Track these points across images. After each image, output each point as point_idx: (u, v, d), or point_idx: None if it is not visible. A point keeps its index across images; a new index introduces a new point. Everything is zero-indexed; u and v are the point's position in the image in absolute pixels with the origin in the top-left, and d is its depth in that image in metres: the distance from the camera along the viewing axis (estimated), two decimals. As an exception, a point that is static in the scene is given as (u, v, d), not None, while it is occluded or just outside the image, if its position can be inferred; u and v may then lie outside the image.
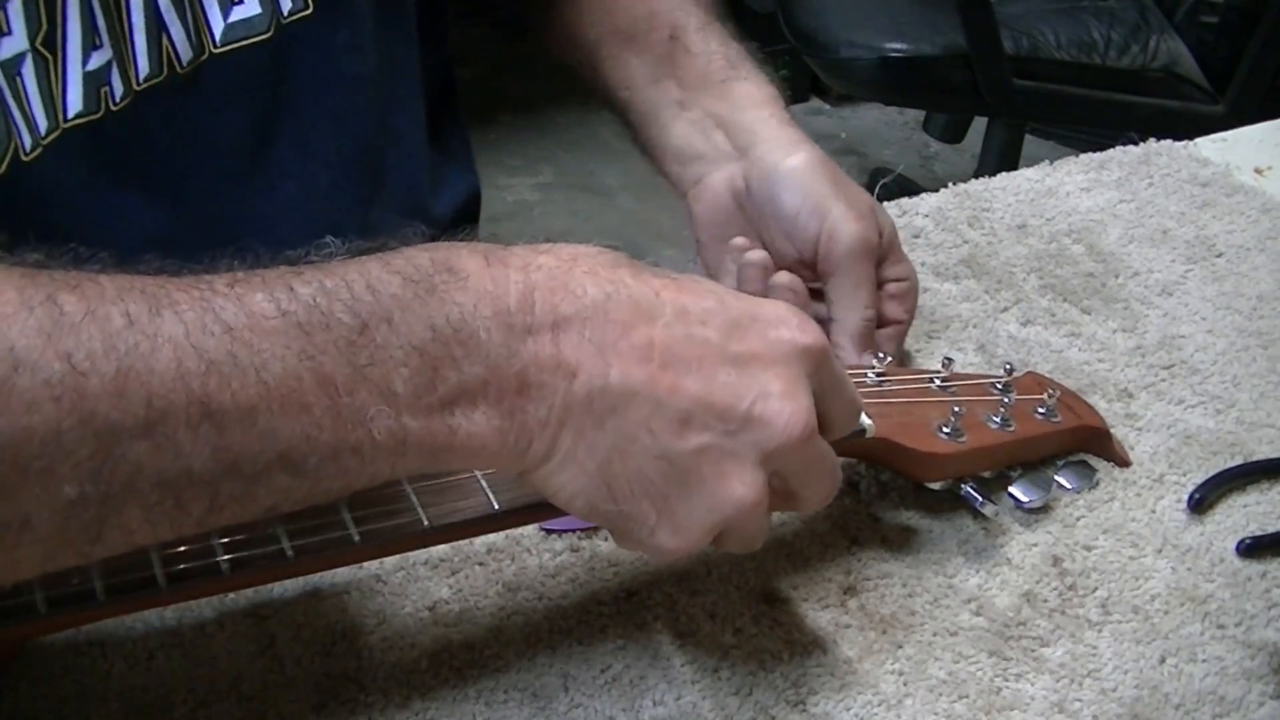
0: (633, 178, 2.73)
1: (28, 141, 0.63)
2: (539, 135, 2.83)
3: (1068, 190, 0.94)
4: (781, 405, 0.48)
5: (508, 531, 0.63)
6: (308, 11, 0.72)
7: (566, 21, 0.88)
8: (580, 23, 0.87)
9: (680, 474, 0.48)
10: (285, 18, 0.71)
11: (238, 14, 0.69)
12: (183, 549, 0.48)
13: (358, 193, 0.77)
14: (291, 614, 0.58)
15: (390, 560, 0.61)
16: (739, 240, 0.75)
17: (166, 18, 0.66)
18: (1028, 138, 2.22)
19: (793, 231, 0.74)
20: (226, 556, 0.48)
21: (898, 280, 0.74)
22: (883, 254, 0.73)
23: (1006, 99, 1.93)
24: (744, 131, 0.78)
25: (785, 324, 0.50)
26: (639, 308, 0.48)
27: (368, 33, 0.75)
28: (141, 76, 0.66)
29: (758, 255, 0.73)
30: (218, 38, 0.69)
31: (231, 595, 0.58)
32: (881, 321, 0.73)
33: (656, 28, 0.83)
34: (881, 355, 0.66)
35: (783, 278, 0.72)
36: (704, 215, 0.79)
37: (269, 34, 0.70)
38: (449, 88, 0.89)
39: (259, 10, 0.69)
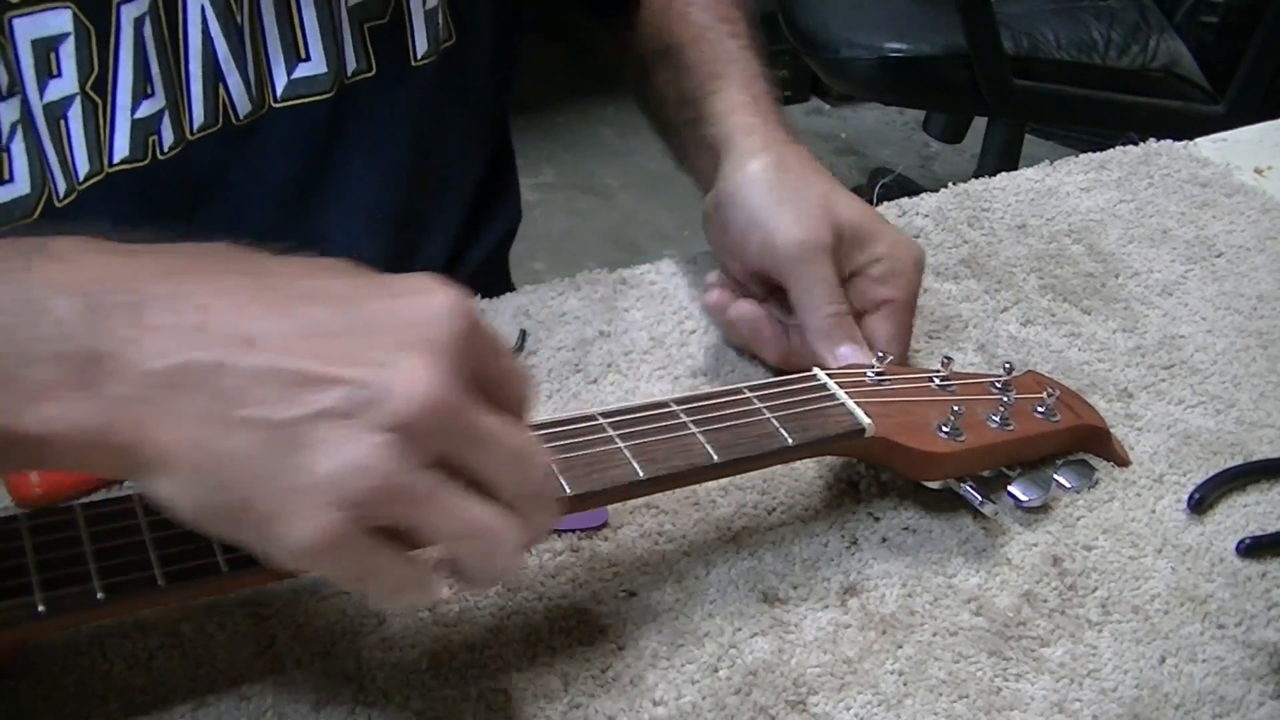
0: (633, 178, 2.73)
1: (61, 188, 0.63)
2: (539, 135, 2.83)
3: (1068, 190, 0.94)
4: (404, 370, 0.44)
5: (508, 531, 0.63)
6: (370, 73, 0.72)
7: (616, 48, 0.89)
8: (625, 48, 0.88)
9: (291, 446, 0.43)
10: (349, 77, 0.71)
11: (303, 71, 0.69)
12: (182, 549, 0.48)
13: (396, 246, 0.78)
14: (291, 614, 0.58)
15: (390, 560, 0.61)
16: (709, 276, 0.75)
17: (224, 68, 0.66)
18: (1028, 138, 2.23)
19: (740, 249, 0.73)
20: (226, 556, 0.48)
21: (875, 261, 0.72)
22: (853, 242, 0.72)
23: (1006, 99, 1.93)
24: (718, 149, 0.77)
25: (419, 291, 0.46)
26: (240, 285, 0.46)
27: (424, 93, 0.75)
28: (195, 125, 0.67)
29: (712, 297, 0.73)
30: (279, 92, 0.69)
31: (231, 595, 0.58)
32: (872, 305, 0.72)
33: (666, 49, 0.84)
34: (881, 355, 0.66)
35: (739, 309, 0.72)
36: (710, 239, 0.78)
37: (331, 94, 0.70)
38: (504, 131, 0.90)
39: (324, 69, 0.70)
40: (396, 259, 0.78)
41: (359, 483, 0.43)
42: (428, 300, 0.46)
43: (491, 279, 0.89)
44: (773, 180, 0.73)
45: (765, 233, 0.71)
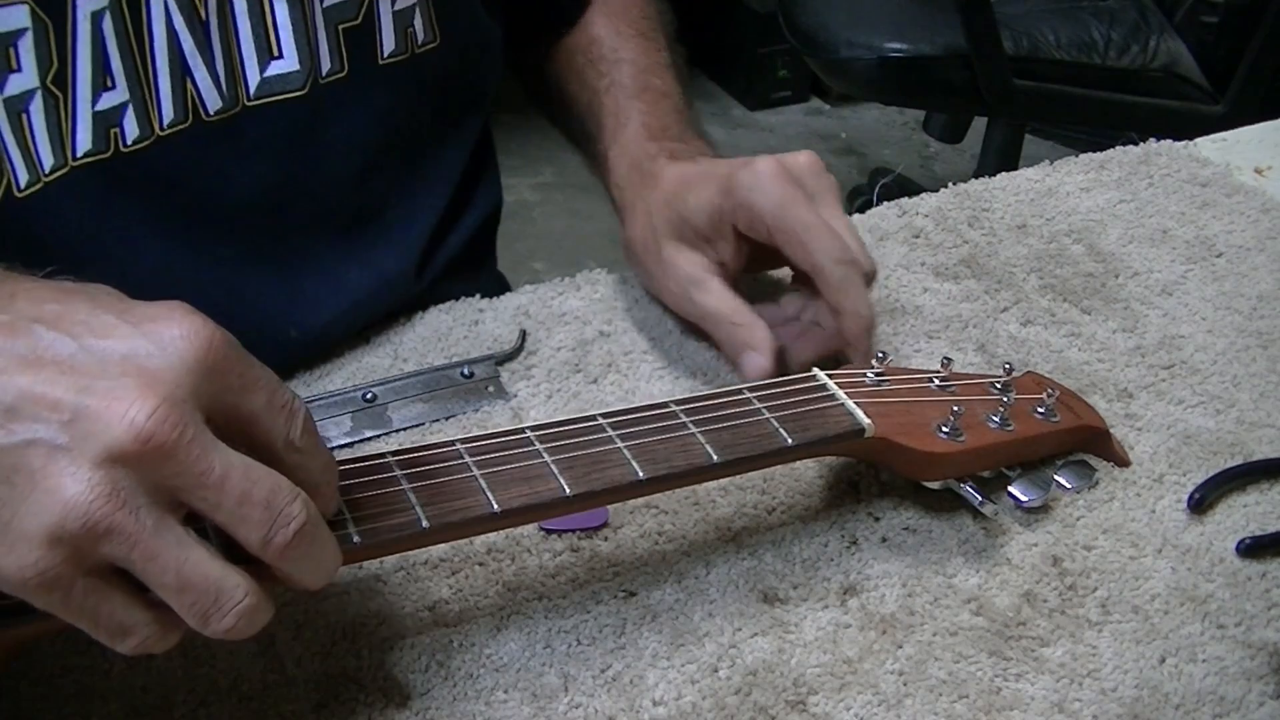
0: (633, 178, 2.73)
1: (23, 178, 0.63)
2: (539, 135, 2.82)
3: (1068, 190, 0.94)
4: (123, 400, 0.42)
5: (508, 531, 0.63)
6: (343, 73, 0.73)
7: (554, 96, 0.92)
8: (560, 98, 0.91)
9: (5, 472, 0.42)
10: (323, 77, 0.72)
11: (275, 68, 0.70)
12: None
13: (366, 238, 0.78)
14: (291, 614, 0.58)
15: (390, 560, 0.61)
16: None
17: (191, 63, 0.67)
18: (1028, 138, 2.23)
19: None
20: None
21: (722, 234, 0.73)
22: (704, 238, 0.73)
23: (1006, 99, 1.93)
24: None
25: (159, 320, 0.45)
26: None
27: (395, 91, 0.76)
28: (165, 121, 0.67)
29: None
30: (253, 90, 0.70)
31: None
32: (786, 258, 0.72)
33: (581, 114, 0.88)
34: (881, 355, 0.66)
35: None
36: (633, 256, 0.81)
37: (304, 91, 0.71)
38: (485, 130, 0.91)
39: (297, 67, 0.70)
40: (367, 250, 0.78)
41: (67, 522, 0.42)
42: (165, 330, 0.44)
43: (477, 260, 0.89)
44: (626, 243, 0.78)
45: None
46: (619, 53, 0.87)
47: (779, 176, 0.70)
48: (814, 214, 0.69)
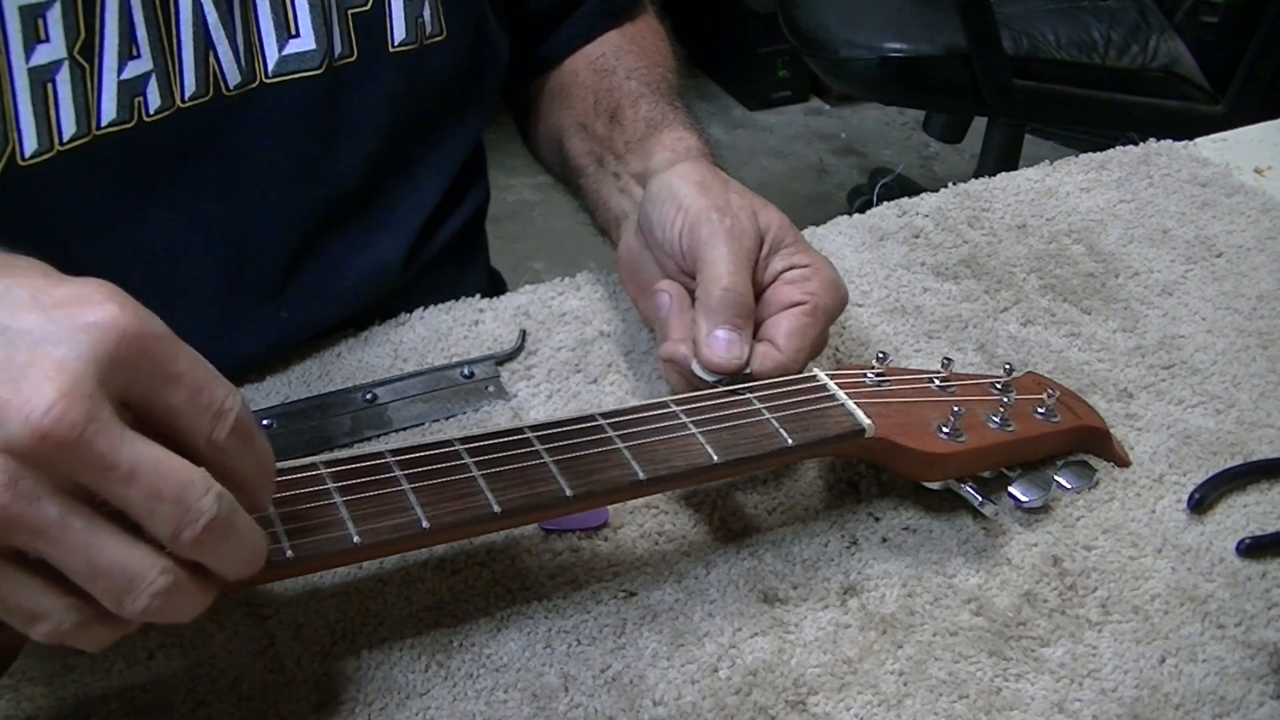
0: (633, 178, 2.73)
1: (29, 147, 0.63)
2: (539, 135, 2.83)
3: (1068, 190, 0.94)
4: (26, 389, 0.40)
5: (508, 531, 0.63)
6: (353, 58, 0.74)
7: (541, 121, 0.91)
8: (549, 120, 0.90)
9: None
10: (336, 60, 0.73)
11: (293, 47, 0.71)
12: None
13: (366, 231, 0.79)
14: (291, 614, 0.58)
15: (390, 560, 0.61)
16: (659, 284, 0.69)
17: (214, 35, 0.68)
18: (1028, 138, 2.22)
19: (663, 240, 0.69)
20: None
21: (794, 268, 0.68)
22: (775, 247, 0.68)
23: (1006, 99, 1.93)
24: (646, 178, 0.75)
25: (77, 303, 0.42)
26: None
27: (403, 80, 0.77)
28: (187, 94, 0.68)
29: (664, 283, 0.69)
30: (270, 68, 0.71)
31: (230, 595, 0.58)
32: (780, 306, 0.67)
33: (600, 112, 0.85)
34: (881, 355, 0.66)
35: (661, 283, 0.69)
36: (623, 268, 0.76)
37: (320, 71, 0.72)
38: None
39: (314, 46, 0.72)
40: (366, 235, 0.79)
41: None
42: (78, 315, 0.42)
43: (463, 255, 0.89)
44: (703, 178, 0.70)
45: (690, 214, 0.67)
46: (652, 71, 0.87)
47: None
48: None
